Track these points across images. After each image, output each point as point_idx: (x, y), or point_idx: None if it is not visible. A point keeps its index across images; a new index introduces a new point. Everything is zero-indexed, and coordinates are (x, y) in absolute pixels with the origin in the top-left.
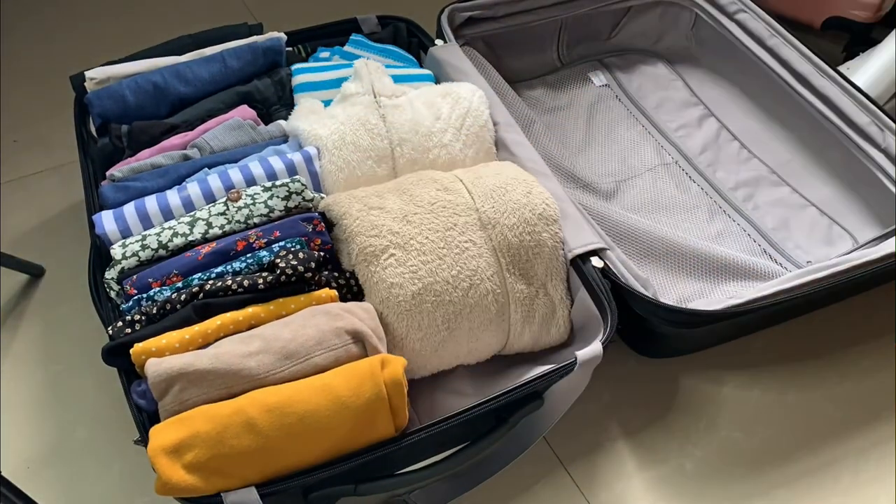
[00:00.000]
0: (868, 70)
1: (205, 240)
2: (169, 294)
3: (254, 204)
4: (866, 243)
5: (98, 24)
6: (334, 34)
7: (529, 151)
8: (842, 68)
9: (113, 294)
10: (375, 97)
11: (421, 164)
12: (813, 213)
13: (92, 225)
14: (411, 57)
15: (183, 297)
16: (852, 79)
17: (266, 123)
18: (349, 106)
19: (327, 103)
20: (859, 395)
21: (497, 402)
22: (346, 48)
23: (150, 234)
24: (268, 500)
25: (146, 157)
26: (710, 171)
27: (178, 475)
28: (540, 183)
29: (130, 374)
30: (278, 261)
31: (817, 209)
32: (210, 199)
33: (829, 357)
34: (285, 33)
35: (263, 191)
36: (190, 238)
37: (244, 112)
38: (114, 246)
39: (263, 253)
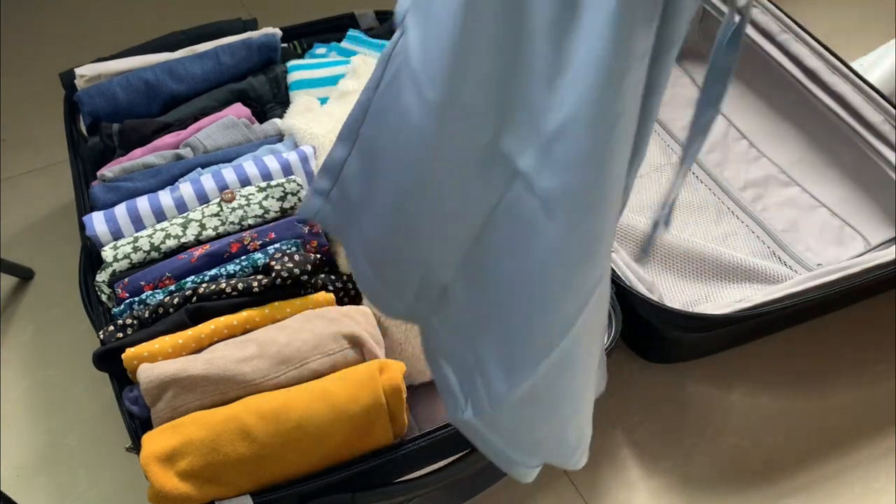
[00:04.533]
0: (881, 66)
1: (198, 241)
2: (161, 297)
3: (248, 205)
4: (879, 245)
5: (88, 19)
6: (331, 30)
7: None
8: (854, 64)
9: (104, 297)
10: None
11: None
12: (824, 213)
13: (82, 226)
14: None
15: (176, 300)
16: (865, 75)
17: (261, 122)
18: (346, 104)
19: (324, 101)
20: (871, 402)
21: None
22: (343, 44)
23: (142, 236)
24: None
25: (138, 157)
26: (718, 171)
27: (171, 483)
28: None
29: (122, 379)
30: (273, 263)
31: (828, 210)
32: (203, 199)
33: (840, 362)
34: (280, 29)
35: (258, 191)
36: (183, 240)
37: (238, 110)
38: (105, 248)
39: (258, 255)
